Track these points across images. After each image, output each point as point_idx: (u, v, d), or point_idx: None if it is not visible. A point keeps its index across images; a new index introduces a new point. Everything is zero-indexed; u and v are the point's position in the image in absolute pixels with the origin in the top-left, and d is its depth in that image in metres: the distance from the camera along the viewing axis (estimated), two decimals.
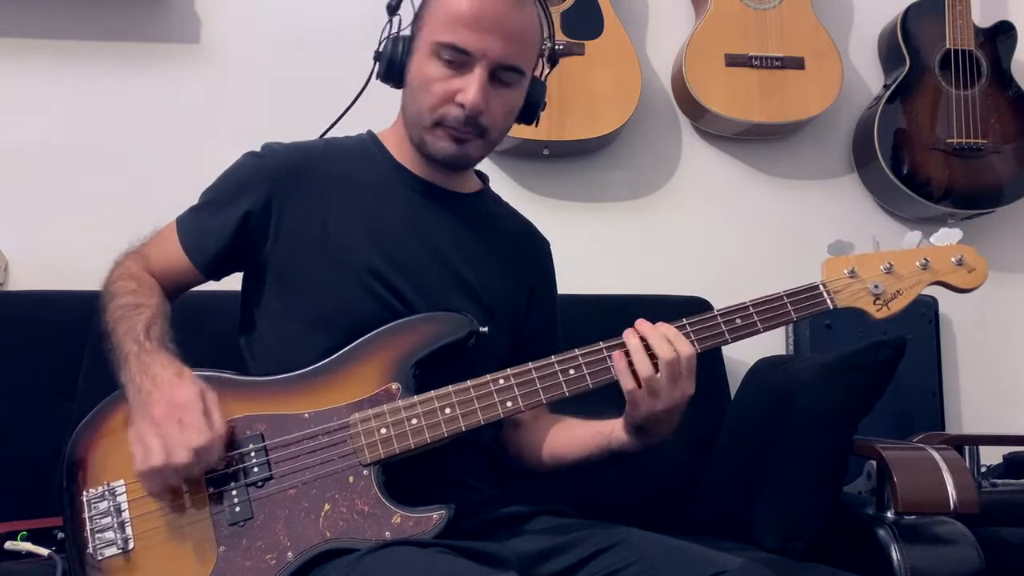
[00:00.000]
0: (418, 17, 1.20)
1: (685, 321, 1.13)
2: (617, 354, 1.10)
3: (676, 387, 1.09)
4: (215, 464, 1.04)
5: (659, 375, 1.08)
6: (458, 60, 1.15)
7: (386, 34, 1.23)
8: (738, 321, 1.14)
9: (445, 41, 1.14)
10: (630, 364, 1.09)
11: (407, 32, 1.21)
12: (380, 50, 1.22)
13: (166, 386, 1.04)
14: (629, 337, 1.11)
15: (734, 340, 1.14)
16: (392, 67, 1.21)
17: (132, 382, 1.07)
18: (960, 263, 1.19)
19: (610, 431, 1.20)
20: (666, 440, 1.17)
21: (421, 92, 1.18)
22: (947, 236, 1.21)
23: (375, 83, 1.26)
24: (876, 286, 1.18)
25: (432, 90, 1.16)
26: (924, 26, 2.21)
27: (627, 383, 1.09)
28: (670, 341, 1.09)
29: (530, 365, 1.11)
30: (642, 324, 1.12)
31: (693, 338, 1.12)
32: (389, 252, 1.20)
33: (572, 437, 1.26)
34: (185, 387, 1.04)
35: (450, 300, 1.20)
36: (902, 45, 2.21)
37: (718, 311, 1.15)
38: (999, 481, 1.81)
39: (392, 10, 1.23)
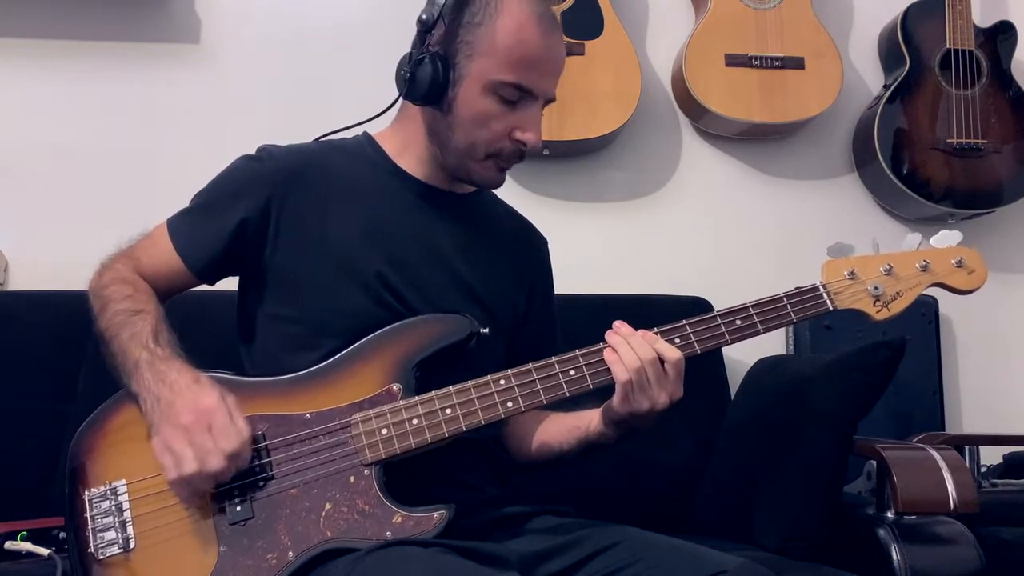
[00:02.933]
0: (462, 42, 1.14)
1: (685, 322, 1.14)
2: (609, 348, 1.11)
3: (663, 388, 1.09)
4: (244, 467, 1.04)
5: (647, 370, 1.09)
6: (515, 98, 1.14)
7: (416, 54, 1.15)
8: (738, 322, 1.15)
9: (510, 81, 1.13)
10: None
11: (436, 50, 1.15)
12: (411, 72, 1.15)
13: (188, 393, 1.03)
14: (612, 336, 1.12)
15: (734, 341, 1.14)
16: (432, 91, 1.15)
17: (149, 391, 1.05)
18: (960, 265, 1.20)
19: (587, 423, 1.20)
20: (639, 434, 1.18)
21: (476, 127, 1.15)
22: (947, 238, 1.21)
23: (373, 85, 1.25)
24: (876, 288, 1.18)
25: (490, 126, 1.15)
26: (924, 26, 2.21)
27: (620, 374, 1.09)
28: (652, 346, 1.10)
29: (531, 366, 1.11)
30: (623, 326, 1.12)
31: (693, 339, 1.13)
32: (389, 254, 1.20)
33: (552, 431, 1.27)
34: (207, 393, 1.03)
35: (450, 301, 1.20)
36: (902, 45, 2.21)
37: (718, 312, 1.15)
38: (999, 481, 1.82)
39: (427, 28, 1.15)
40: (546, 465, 1.29)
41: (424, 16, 1.15)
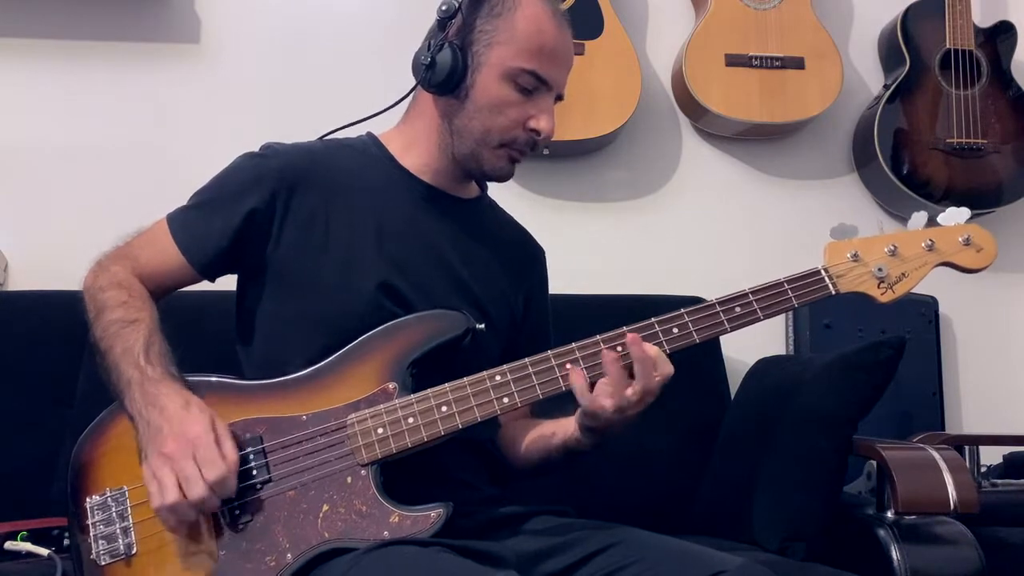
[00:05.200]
0: (480, 31, 1.17)
1: (683, 311, 1.12)
2: (576, 371, 1.08)
3: (641, 403, 1.08)
4: (231, 495, 1.03)
5: (631, 395, 1.06)
6: (532, 87, 1.17)
7: (436, 42, 1.18)
8: (737, 309, 1.12)
9: (528, 68, 1.16)
10: (590, 377, 1.08)
11: (453, 40, 1.17)
12: (432, 57, 1.17)
13: (176, 420, 1.03)
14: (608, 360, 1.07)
15: (734, 328, 1.12)
16: (452, 78, 1.17)
17: (140, 416, 1.05)
18: (967, 243, 1.15)
19: (564, 432, 1.20)
20: (617, 436, 1.16)
21: (492, 113, 1.18)
22: (954, 216, 1.17)
23: (373, 84, 1.25)
24: (880, 269, 1.14)
25: (507, 113, 1.18)
26: (924, 26, 2.21)
27: (583, 399, 1.08)
28: (654, 362, 1.07)
29: (527, 361, 1.10)
30: (635, 339, 1.08)
31: (692, 328, 1.11)
32: (391, 255, 1.20)
33: (535, 438, 1.26)
34: (194, 420, 1.03)
35: (450, 302, 1.20)
36: (902, 45, 2.21)
37: (717, 300, 1.13)
38: (999, 481, 1.81)
39: (447, 18, 1.18)
40: (535, 473, 1.28)
41: (444, 7, 1.18)
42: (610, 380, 1.06)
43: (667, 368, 1.08)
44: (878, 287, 1.14)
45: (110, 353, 1.11)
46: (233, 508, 1.04)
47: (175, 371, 1.09)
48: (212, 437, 1.02)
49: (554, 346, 1.12)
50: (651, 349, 1.08)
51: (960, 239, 1.16)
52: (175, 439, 1.01)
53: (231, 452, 1.03)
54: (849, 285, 1.14)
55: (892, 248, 1.15)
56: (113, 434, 1.11)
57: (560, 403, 1.16)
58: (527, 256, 1.39)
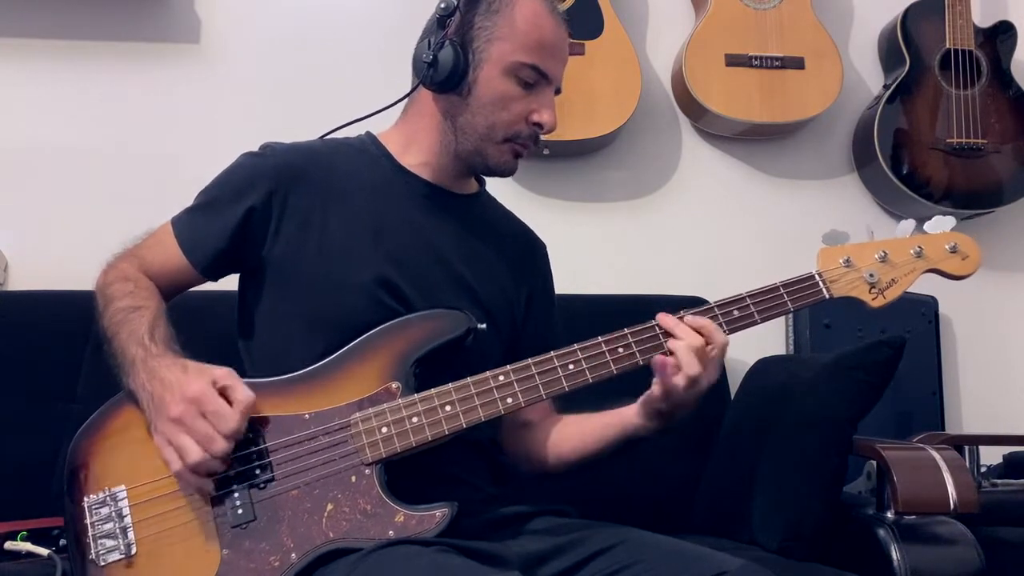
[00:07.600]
0: (480, 28, 1.18)
1: (683, 313, 1.13)
2: (659, 355, 1.11)
3: (705, 375, 1.10)
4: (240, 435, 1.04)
5: (700, 370, 1.09)
6: (533, 80, 1.19)
7: (436, 40, 1.18)
8: (735, 313, 1.15)
9: (529, 63, 1.18)
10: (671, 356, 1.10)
11: (453, 38, 1.18)
12: (434, 55, 1.17)
13: (176, 385, 1.04)
14: (671, 336, 1.12)
15: (731, 332, 1.14)
16: (454, 76, 1.18)
17: (143, 389, 1.06)
18: (954, 250, 1.19)
19: (623, 420, 1.21)
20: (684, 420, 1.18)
21: (496, 108, 1.19)
22: (940, 224, 1.21)
23: (374, 84, 1.25)
24: (871, 275, 1.18)
25: (510, 108, 1.19)
26: (924, 26, 2.21)
27: (668, 380, 1.10)
28: (707, 333, 1.11)
29: (529, 361, 1.11)
30: (666, 317, 1.13)
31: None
32: (391, 252, 1.20)
33: (583, 431, 1.26)
34: (193, 380, 1.04)
35: (449, 301, 1.20)
36: (902, 45, 2.21)
37: (715, 303, 1.15)
38: (999, 481, 1.82)
39: (447, 16, 1.18)
40: (580, 468, 1.28)
41: (443, 5, 1.19)
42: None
43: (720, 338, 1.11)
44: (869, 292, 1.18)
45: (116, 339, 1.12)
46: (236, 507, 1.04)
47: (178, 349, 1.11)
48: (214, 392, 1.03)
49: (563, 340, 1.12)
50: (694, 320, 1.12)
51: (947, 247, 1.20)
52: (179, 403, 1.02)
53: (243, 396, 1.04)
54: (842, 290, 1.18)
55: (882, 254, 1.19)
56: (110, 432, 1.10)
57: (613, 397, 1.17)
58: (528, 251, 1.39)
